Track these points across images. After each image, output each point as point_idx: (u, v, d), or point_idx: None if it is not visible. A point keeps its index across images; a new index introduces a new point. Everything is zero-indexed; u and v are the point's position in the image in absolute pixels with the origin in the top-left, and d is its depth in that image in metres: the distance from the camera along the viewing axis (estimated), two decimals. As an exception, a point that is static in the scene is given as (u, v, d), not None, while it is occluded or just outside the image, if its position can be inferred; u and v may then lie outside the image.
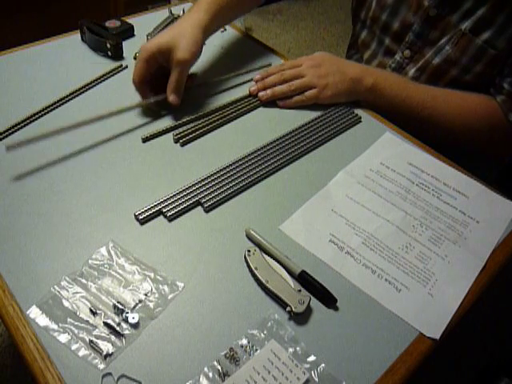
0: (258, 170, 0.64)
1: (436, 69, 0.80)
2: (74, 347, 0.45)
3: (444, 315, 0.51)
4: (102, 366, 0.44)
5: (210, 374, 0.44)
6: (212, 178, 0.62)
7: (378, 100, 0.77)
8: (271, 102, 0.77)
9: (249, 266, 0.52)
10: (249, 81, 0.81)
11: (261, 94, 0.77)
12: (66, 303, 0.48)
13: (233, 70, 0.83)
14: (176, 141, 0.68)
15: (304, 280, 0.52)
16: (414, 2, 0.80)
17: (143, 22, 0.91)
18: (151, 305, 0.49)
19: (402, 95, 0.76)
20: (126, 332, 0.46)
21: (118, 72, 0.80)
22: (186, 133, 0.69)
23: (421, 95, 0.76)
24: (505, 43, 0.73)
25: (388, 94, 0.76)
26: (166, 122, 0.71)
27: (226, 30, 0.95)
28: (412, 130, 0.76)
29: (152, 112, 0.72)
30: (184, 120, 0.71)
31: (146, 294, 0.49)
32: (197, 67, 0.83)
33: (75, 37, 0.87)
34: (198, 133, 0.69)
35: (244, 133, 0.71)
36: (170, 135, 0.69)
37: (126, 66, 0.81)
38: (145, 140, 0.67)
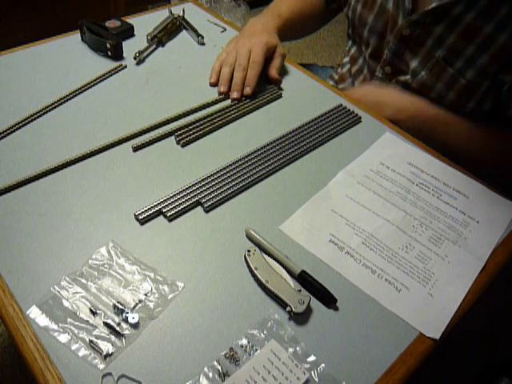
0: (257, 170, 0.64)
1: (416, 92, 0.81)
2: (74, 347, 0.45)
3: (444, 315, 0.51)
4: (101, 366, 0.44)
5: (210, 374, 0.44)
6: (212, 177, 0.62)
7: (412, 134, 0.76)
8: (271, 103, 0.78)
9: (249, 266, 0.52)
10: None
11: None
12: (65, 303, 0.48)
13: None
14: (178, 142, 0.68)
15: (304, 280, 0.52)
16: (389, 21, 0.81)
17: (143, 22, 0.91)
18: (151, 305, 0.49)
19: (439, 140, 0.76)
20: (126, 332, 0.46)
21: (118, 72, 0.80)
22: (186, 133, 0.69)
23: (459, 138, 0.76)
24: (473, 75, 0.73)
25: (424, 134, 0.76)
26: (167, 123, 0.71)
27: (225, 30, 0.96)
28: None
29: (153, 112, 0.72)
30: (184, 120, 0.71)
31: (146, 294, 0.49)
32: (197, 68, 0.83)
33: (75, 37, 0.87)
34: (198, 133, 0.69)
35: (244, 133, 0.71)
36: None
37: (126, 66, 0.81)
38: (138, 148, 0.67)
